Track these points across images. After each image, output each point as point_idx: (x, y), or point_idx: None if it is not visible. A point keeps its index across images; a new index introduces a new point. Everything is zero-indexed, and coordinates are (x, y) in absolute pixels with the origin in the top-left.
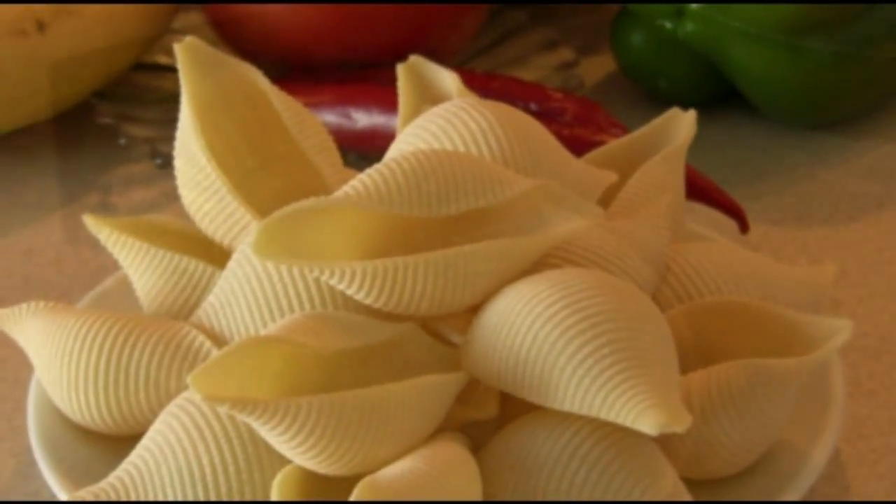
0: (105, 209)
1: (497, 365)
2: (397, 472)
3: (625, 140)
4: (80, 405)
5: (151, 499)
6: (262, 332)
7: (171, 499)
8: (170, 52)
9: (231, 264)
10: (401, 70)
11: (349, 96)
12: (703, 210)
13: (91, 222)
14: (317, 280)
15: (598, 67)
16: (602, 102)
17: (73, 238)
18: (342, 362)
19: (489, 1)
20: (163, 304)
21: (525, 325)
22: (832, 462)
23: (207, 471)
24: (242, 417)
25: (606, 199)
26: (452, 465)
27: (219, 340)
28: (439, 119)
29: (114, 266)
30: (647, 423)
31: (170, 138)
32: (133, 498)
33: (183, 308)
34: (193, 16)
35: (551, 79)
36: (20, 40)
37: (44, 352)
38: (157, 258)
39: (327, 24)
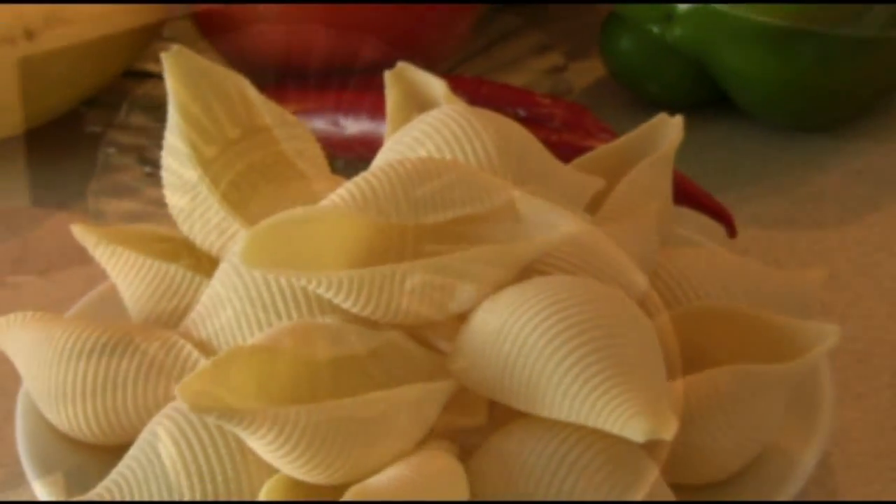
0: (93, 217)
1: (485, 372)
2: (385, 480)
3: (612, 146)
4: (69, 415)
5: None
6: (250, 341)
7: None
8: (159, 60)
9: (218, 273)
10: (389, 77)
11: (338, 103)
12: (691, 215)
13: (79, 231)
14: (304, 289)
15: (588, 72)
16: (591, 107)
17: (62, 247)
18: (330, 371)
19: (480, 0)
20: (151, 313)
21: (513, 332)
22: (821, 466)
23: (195, 480)
24: (230, 427)
25: (594, 205)
26: (441, 473)
27: (206, 349)
28: (426, 126)
29: (102, 275)
30: (634, 430)
31: (159, 146)
32: None
33: (171, 317)
34: (183, 24)
35: (540, 83)
36: (8, 48)
37: (32, 362)
38: (144, 267)
39: (317, 30)
